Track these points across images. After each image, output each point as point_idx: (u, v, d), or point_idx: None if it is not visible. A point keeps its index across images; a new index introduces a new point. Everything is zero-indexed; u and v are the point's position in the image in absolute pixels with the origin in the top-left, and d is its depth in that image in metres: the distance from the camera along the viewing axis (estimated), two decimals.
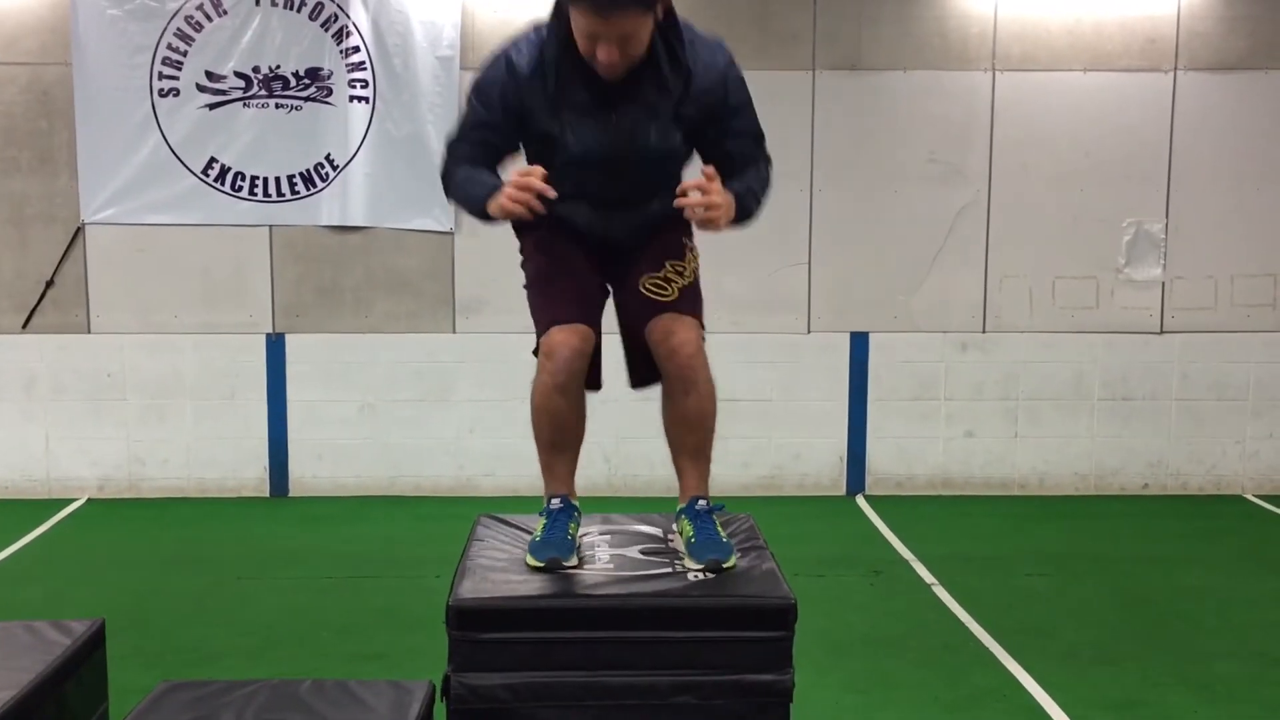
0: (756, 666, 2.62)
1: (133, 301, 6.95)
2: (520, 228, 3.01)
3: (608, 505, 6.67)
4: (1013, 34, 6.94)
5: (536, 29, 2.84)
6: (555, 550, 2.83)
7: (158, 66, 6.75)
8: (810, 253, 7.06)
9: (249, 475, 7.11)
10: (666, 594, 2.69)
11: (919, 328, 7.11)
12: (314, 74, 6.80)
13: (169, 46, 6.74)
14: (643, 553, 2.98)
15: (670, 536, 3.11)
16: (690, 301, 3.00)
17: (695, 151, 3.01)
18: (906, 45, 6.95)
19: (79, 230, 6.88)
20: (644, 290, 2.95)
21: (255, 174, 6.84)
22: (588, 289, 3.00)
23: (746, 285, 7.03)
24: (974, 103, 6.99)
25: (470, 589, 2.72)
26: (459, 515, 5.60)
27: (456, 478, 7.12)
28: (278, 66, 6.80)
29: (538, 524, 2.94)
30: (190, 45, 6.75)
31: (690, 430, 3.01)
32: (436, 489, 7.13)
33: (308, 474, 7.11)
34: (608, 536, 3.11)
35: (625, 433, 7.03)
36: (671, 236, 3.01)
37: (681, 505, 3.02)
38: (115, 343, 6.96)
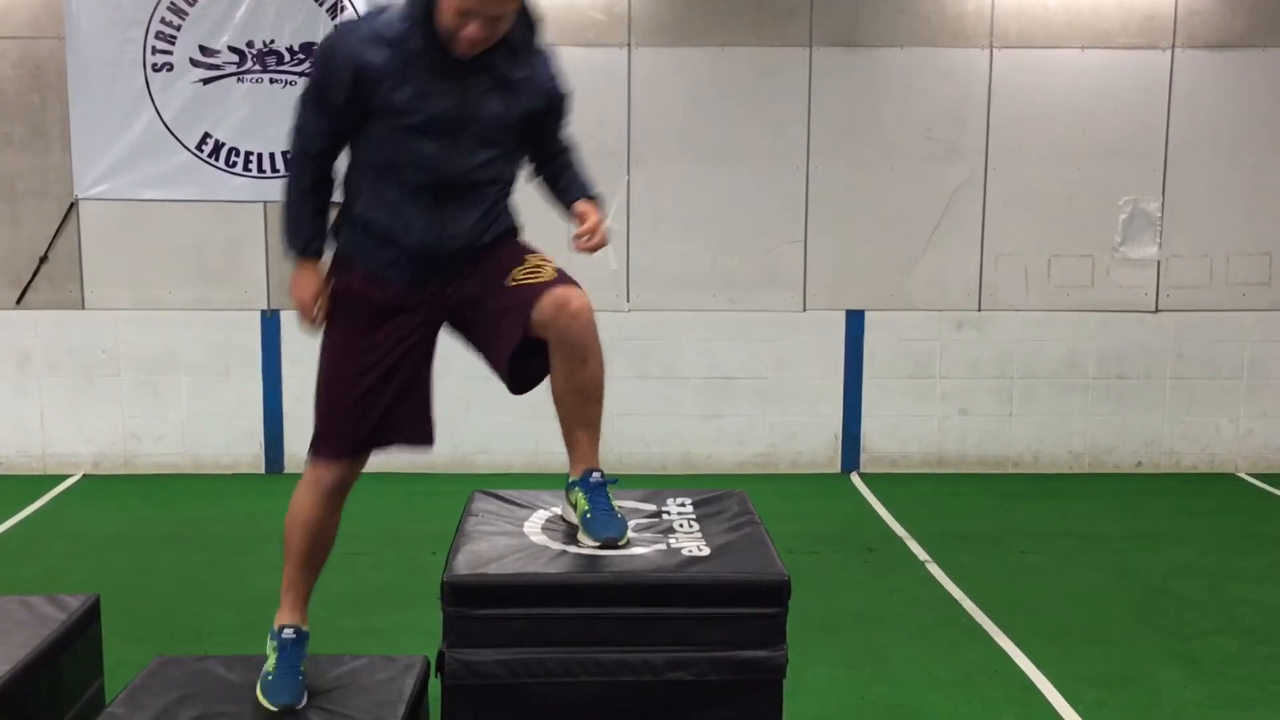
0: (750, 643, 2.63)
1: (127, 277, 6.93)
2: (334, 292, 2.97)
3: None
4: (1010, 11, 6.91)
5: (390, 9, 2.84)
6: (289, 696, 2.88)
7: (151, 40, 6.71)
8: (806, 230, 7.05)
9: (244, 452, 7.12)
10: (661, 570, 2.70)
11: (915, 306, 7.11)
12: (308, 49, 6.75)
13: (162, 20, 6.70)
14: (637, 528, 2.99)
15: (664, 511, 3.11)
16: (569, 277, 2.98)
17: (532, 145, 3.06)
18: (903, 22, 6.92)
19: (72, 206, 6.86)
20: (517, 282, 2.92)
21: (250, 150, 6.81)
22: (381, 402, 2.95)
23: (742, 263, 7.02)
24: (971, 80, 6.97)
25: (465, 565, 2.73)
26: (453, 492, 5.61)
27: (451, 455, 7.12)
28: (272, 41, 6.76)
29: (269, 658, 2.95)
30: (184, 19, 6.71)
31: (587, 400, 3.01)
32: (431, 466, 7.12)
33: (303, 451, 7.05)
34: None
35: (622, 410, 7.04)
36: (512, 246, 3.04)
37: (575, 478, 3.03)
38: (110, 319, 6.94)
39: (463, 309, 2.99)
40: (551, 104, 3.01)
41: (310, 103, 2.88)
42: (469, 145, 2.88)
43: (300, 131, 2.92)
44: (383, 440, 3.00)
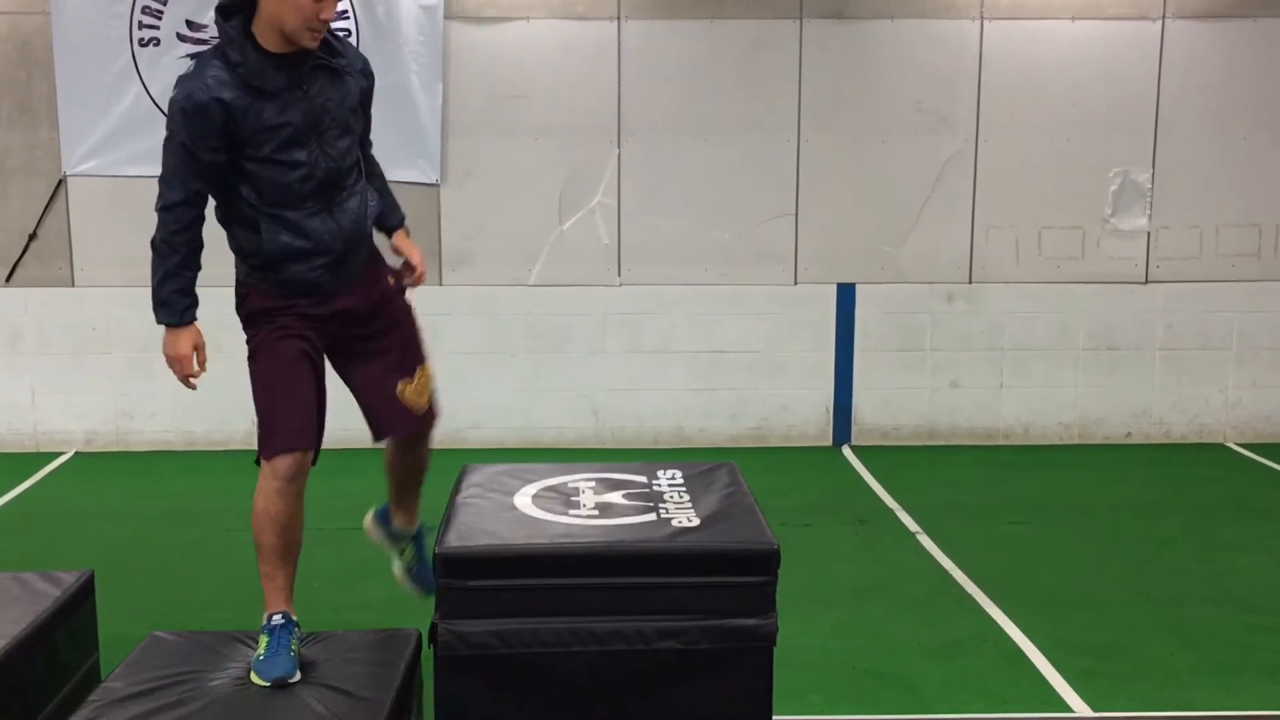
0: (740, 611, 2.66)
1: (116, 254, 6.90)
2: (248, 315, 3.39)
3: (596, 456, 6.73)
4: None
5: (204, 53, 3.12)
6: (282, 670, 2.95)
7: (137, 15, 6.66)
8: (797, 204, 7.04)
9: (237, 428, 7.11)
10: (651, 540, 2.72)
11: (906, 279, 7.12)
12: None
13: None
14: (627, 499, 3.00)
15: (654, 483, 3.13)
16: (433, 397, 3.42)
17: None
18: None
19: (61, 182, 6.83)
20: (402, 399, 3.32)
21: None
22: (313, 395, 3.26)
23: (734, 237, 7.02)
24: (962, 51, 6.95)
25: (457, 538, 2.75)
26: (446, 468, 5.60)
27: (444, 430, 7.05)
28: None
29: (260, 642, 3.04)
30: None
31: (421, 471, 3.54)
32: None
33: None
34: (593, 484, 3.13)
35: (614, 385, 7.06)
36: (399, 314, 3.39)
37: (411, 531, 3.57)
38: (100, 296, 6.93)
39: (352, 360, 3.39)
40: (370, 84, 3.28)
41: (180, 159, 3.09)
42: (331, 137, 3.13)
43: (172, 190, 3.15)
44: (318, 429, 3.26)
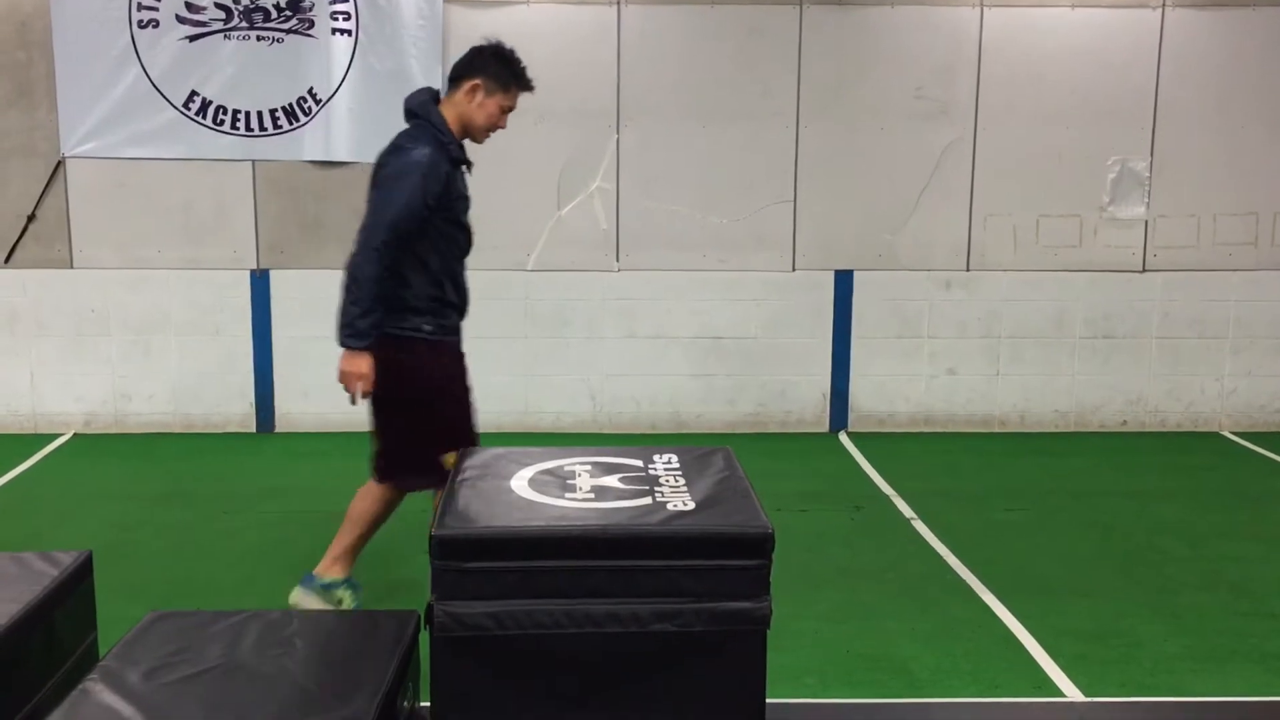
0: (735, 594, 2.67)
1: (115, 236, 6.91)
2: (415, 367, 4.06)
3: (593, 440, 6.75)
4: None
5: (417, 132, 3.99)
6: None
7: None
8: (796, 190, 7.05)
9: (235, 411, 7.14)
10: (646, 523, 2.73)
11: (903, 266, 7.13)
12: (295, 5, 6.71)
13: None
14: (623, 482, 3.02)
15: (650, 467, 3.15)
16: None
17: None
18: None
19: (59, 164, 6.83)
20: (444, 464, 3.80)
21: (237, 108, 6.78)
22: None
23: (732, 223, 7.03)
24: (961, 38, 6.95)
25: (454, 520, 2.76)
26: None
27: None
28: None
29: (346, 596, 4.18)
30: None
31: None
32: None
33: (294, 410, 7.13)
34: (589, 468, 3.15)
35: (612, 370, 7.07)
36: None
37: (347, 576, 4.24)
38: (98, 278, 6.94)
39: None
40: None
41: (406, 206, 3.83)
42: (468, 218, 4.10)
43: (391, 231, 3.82)
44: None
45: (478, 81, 3.97)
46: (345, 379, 3.94)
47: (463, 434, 4.04)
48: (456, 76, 4.02)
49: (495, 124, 4.02)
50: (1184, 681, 3.96)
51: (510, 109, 4.04)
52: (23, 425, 7.08)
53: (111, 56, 6.69)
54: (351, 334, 3.88)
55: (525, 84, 4.05)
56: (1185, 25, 6.94)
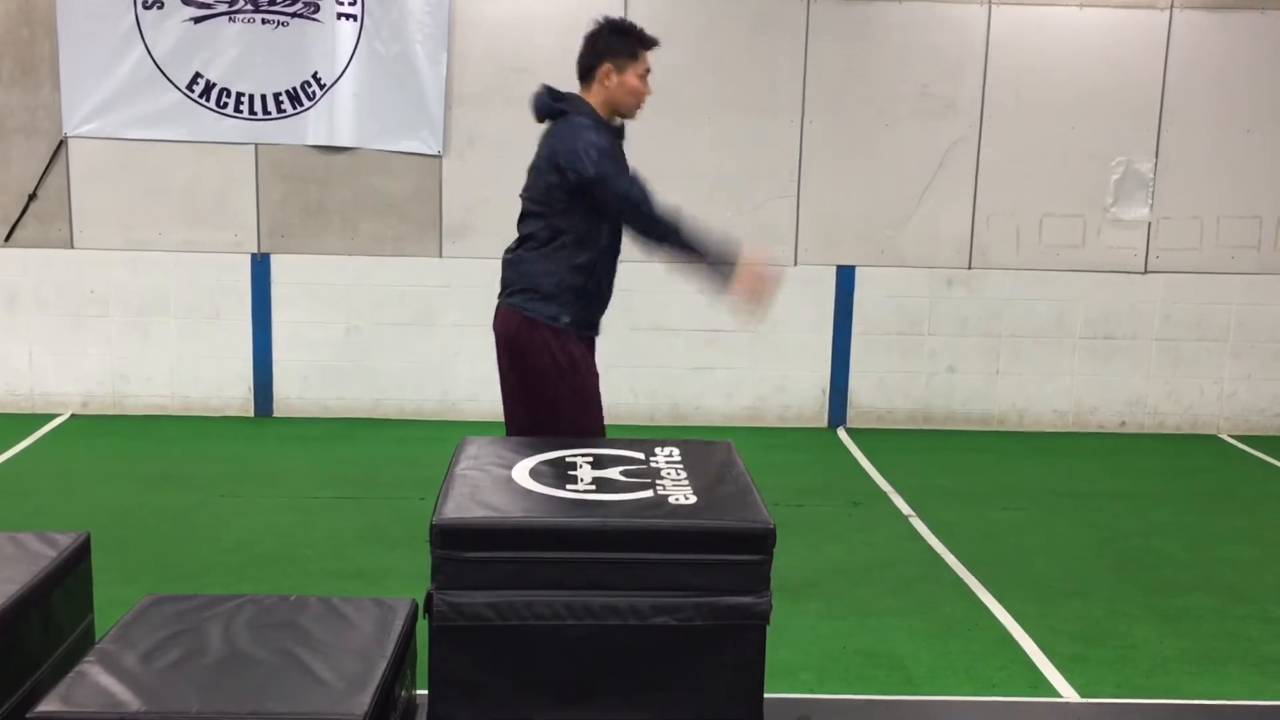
0: (735, 589, 2.67)
1: (116, 217, 6.89)
2: (569, 360, 4.06)
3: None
4: None
5: (578, 114, 3.91)
6: None
7: None
8: (799, 185, 7.04)
9: (234, 395, 7.13)
10: (648, 516, 2.73)
11: (905, 263, 7.12)
12: None
13: None
14: (624, 475, 3.02)
15: (652, 460, 3.14)
16: None
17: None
18: None
19: (61, 143, 6.80)
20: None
21: (241, 91, 6.75)
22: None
23: (735, 216, 7.01)
24: (969, 36, 6.93)
25: (454, 509, 2.75)
26: (442, 439, 5.64)
27: (441, 401, 7.14)
28: None
29: None
30: None
31: None
32: (420, 412, 7.15)
33: (293, 395, 7.12)
34: (591, 460, 3.14)
35: (611, 362, 7.04)
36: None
37: None
38: (98, 258, 6.92)
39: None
40: None
41: (621, 164, 3.88)
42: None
43: (632, 185, 3.85)
44: None
45: (609, 65, 3.92)
46: (755, 287, 3.89)
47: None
48: (588, 68, 3.95)
49: (641, 93, 3.98)
50: (1180, 684, 3.96)
51: (648, 72, 3.99)
52: (20, 405, 7.06)
53: (116, 36, 6.66)
54: (718, 252, 3.87)
55: (649, 42, 3.99)
56: (1193, 27, 6.93)
